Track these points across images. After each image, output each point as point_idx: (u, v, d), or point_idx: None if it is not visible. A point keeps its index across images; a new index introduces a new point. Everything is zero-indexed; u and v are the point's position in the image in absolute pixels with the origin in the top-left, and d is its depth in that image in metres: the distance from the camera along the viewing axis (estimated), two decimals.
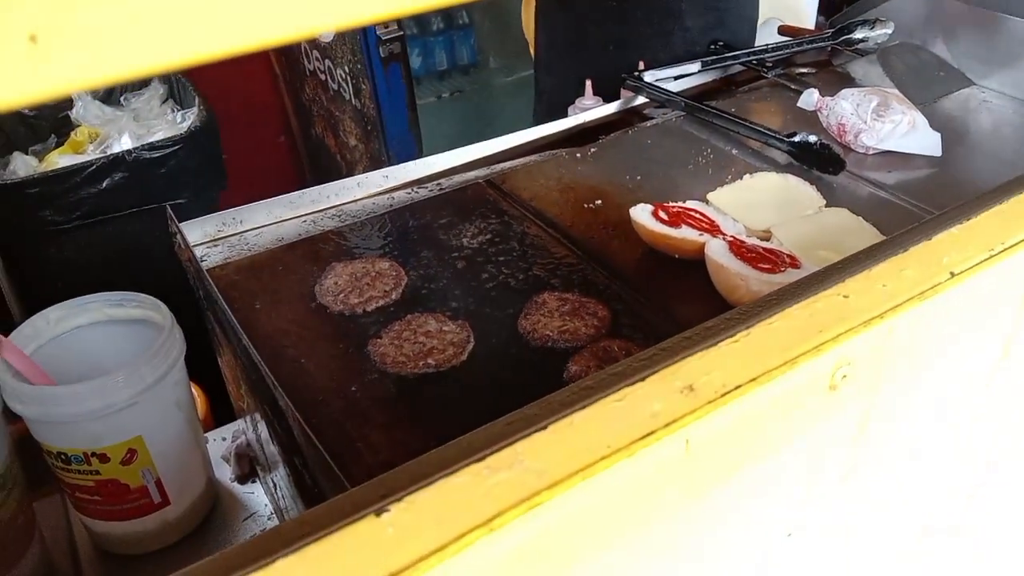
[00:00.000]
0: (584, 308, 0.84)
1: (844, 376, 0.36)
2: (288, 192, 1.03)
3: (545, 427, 0.30)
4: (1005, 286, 0.43)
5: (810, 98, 1.17)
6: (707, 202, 0.96)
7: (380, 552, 0.25)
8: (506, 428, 0.29)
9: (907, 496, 0.50)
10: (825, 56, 1.42)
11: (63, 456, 0.83)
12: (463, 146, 1.14)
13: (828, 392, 0.36)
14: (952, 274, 0.38)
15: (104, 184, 1.58)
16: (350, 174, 1.08)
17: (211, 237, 0.98)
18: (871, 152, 1.07)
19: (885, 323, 0.36)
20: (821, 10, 2.79)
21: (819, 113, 1.14)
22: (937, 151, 1.07)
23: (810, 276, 0.39)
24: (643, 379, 0.32)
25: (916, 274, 0.38)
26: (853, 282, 0.38)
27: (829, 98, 1.13)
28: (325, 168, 2.59)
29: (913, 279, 0.38)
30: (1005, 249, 0.40)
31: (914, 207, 0.99)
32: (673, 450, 0.31)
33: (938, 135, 1.07)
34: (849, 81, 1.28)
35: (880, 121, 1.06)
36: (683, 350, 0.33)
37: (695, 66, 1.31)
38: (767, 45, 1.34)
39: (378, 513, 0.26)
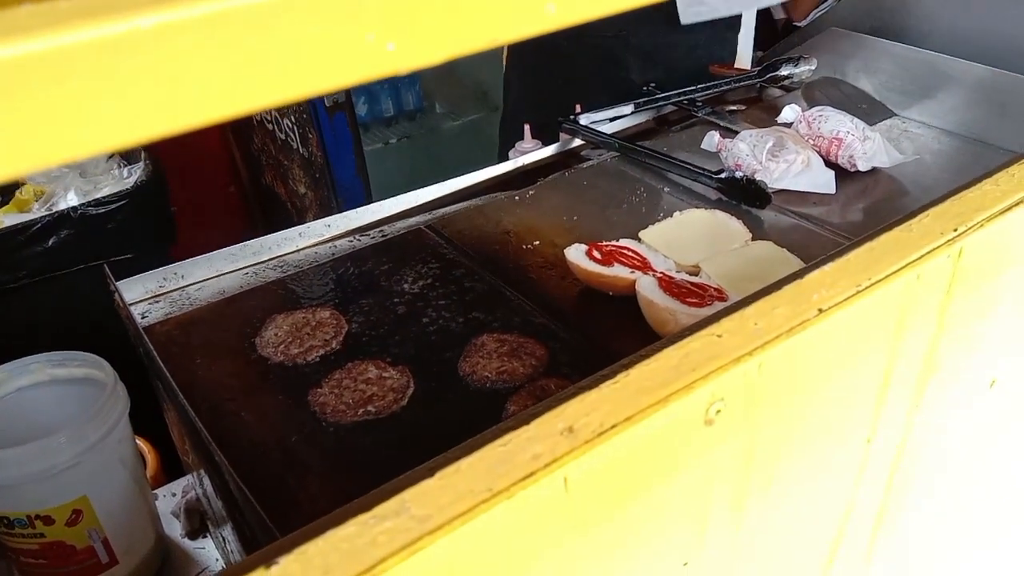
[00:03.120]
0: (522, 348, 0.86)
1: (718, 411, 0.38)
2: (238, 243, 1.04)
3: (432, 473, 0.31)
4: (876, 318, 0.45)
5: (711, 140, 1.21)
6: (639, 239, 0.99)
7: None
8: (401, 478, 0.31)
9: (807, 522, 0.52)
10: (755, 93, 1.47)
11: (6, 520, 0.82)
12: (412, 190, 1.16)
13: (705, 427, 0.38)
14: (820, 310, 0.41)
15: (50, 242, 1.58)
16: (301, 221, 1.09)
17: (152, 293, 0.98)
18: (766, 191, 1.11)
19: (755, 359, 0.39)
20: (757, 46, 2.88)
21: (719, 154, 1.18)
22: (831, 189, 1.11)
23: (702, 320, 0.41)
24: (527, 423, 0.34)
25: (786, 312, 0.41)
26: (728, 321, 0.40)
27: (728, 140, 1.18)
28: (276, 216, 2.60)
29: (783, 317, 0.41)
30: (872, 284, 0.43)
31: (837, 236, 1.03)
32: (552, 489, 0.33)
33: (832, 173, 1.12)
34: (776, 116, 1.32)
35: (774, 161, 1.11)
36: (570, 395, 0.35)
37: (628, 108, 1.35)
38: (696, 86, 1.39)
39: (267, 566, 0.27)
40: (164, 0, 0.16)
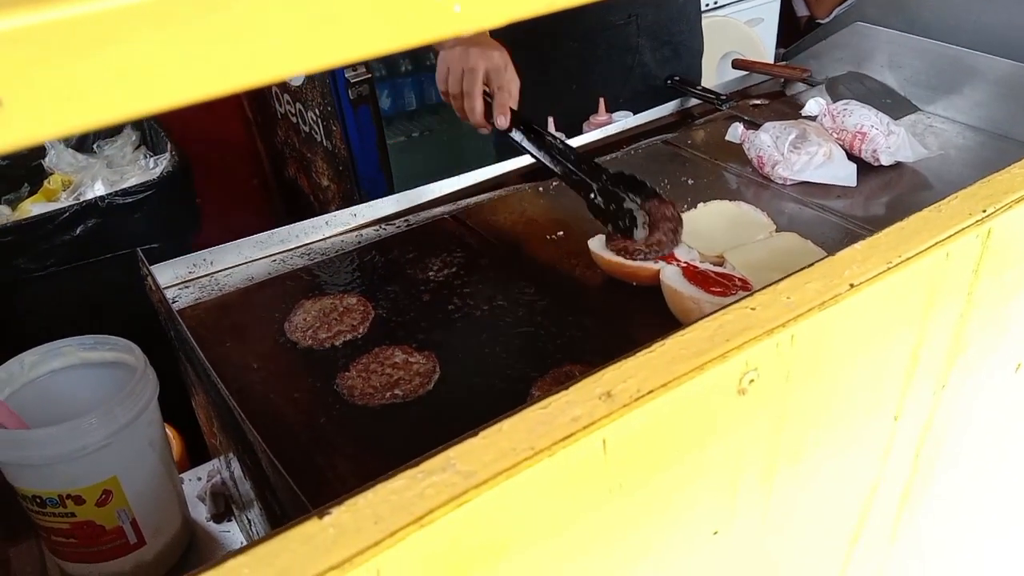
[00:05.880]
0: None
1: (751, 381, 0.39)
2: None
3: (476, 434, 0.32)
4: (905, 296, 0.46)
5: (735, 131, 1.22)
6: None
7: (320, 549, 0.28)
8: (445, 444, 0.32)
9: (834, 498, 0.53)
10: (779, 87, 1.47)
11: (38, 499, 0.83)
12: (433, 183, 1.17)
13: (738, 396, 0.39)
14: (852, 285, 0.42)
15: (77, 231, 1.60)
16: (323, 214, 1.10)
17: (182, 279, 1.00)
18: (788, 183, 1.12)
19: (787, 331, 0.39)
20: (779, 42, 2.88)
21: (743, 145, 1.18)
22: (852, 182, 1.11)
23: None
24: (566, 388, 0.35)
25: (818, 286, 0.42)
26: (761, 296, 0.41)
27: (752, 131, 1.18)
28: (299, 209, 2.62)
29: (815, 291, 0.41)
30: (903, 261, 0.44)
31: (861, 229, 1.03)
32: (591, 450, 0.34)
33: (853, 166, 1.12)
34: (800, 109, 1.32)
35: (796, 153, 1.11)
36: (607, 364, 0.36)
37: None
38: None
39: (320, 516, 0.29)
40: None
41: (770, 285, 0.42)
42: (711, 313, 0.40)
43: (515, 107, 1.10)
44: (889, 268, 0.43)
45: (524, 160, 1.24)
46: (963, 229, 0.46)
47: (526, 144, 1.07)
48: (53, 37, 0.15)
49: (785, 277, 0.42)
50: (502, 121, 1.09)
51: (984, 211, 0.47)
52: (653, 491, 0.38)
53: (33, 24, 0.15)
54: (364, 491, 0.30)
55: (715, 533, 0.43)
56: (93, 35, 0.16)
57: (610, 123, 1.34)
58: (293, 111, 2.33)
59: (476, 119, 1.14)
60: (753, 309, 0.40)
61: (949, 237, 0.46)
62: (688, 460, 0.39)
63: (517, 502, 0.32)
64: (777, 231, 0.99)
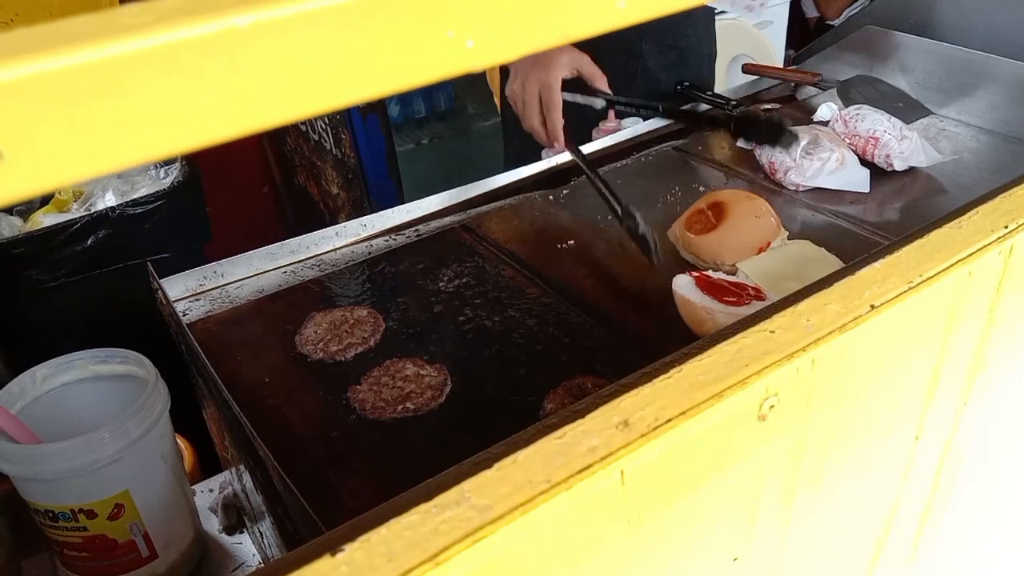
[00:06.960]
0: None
1: (772, 406, 0.39)
2: (272, 242, 1.06)
3: (491, 465, 0.32)
4: (927, 315, 0.45)
5: None
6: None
7: None
8: (457, 469, 0.32)
9: (854, 520, 0.52)
10: (790, 91, 1.46)
11: (50, 513, 0.83)
12: (443, 190, 1.17)
13: (758, 422, 0.39)
14: (872, 307, 0.41)
15: (89, 242, 1.60)
16: (333, 222, 1.10)
17: (193, 291, 1.00)
18: (801, 189, 1.11)
19: (808, 355, 0.39)
20: (789, 45, 2.87)
21: (754, 151, 1.18)
22: (865, 187, 1.10)
23: (749, 317, 0.41)
24: (582, 416, 0.34)
25: (839, 308, 0.41)
26: (780, 318, 0.40)
27: None
28: (308, 217, 2.62)
29: (835, 313, 0.41)
30: (923, 281, 0.43)
31: (875, 235, 1.02)
32: (609, 482, 0.33)
33: (867, 171, 1.11)
34: (812, 114, 1.32)
35: (808, 159, 1.10)
36: (624, 389, 0.35)
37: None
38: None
39: (333, 553, 0.28)
40: (258, 1, 0.16)
41: (789, 306, 0.41)
42: (728, 334, 0.40)
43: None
44: (910, 288, 0.42)
45: (534, 168, 1.24)
46: (985, 246, 0.45)
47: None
48: (52, 88, 0.15)
49: (803, 296, 0.42)
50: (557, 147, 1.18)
51: (1006, 227, 0.46)
52: (671, 520, 0.38)
53: (32, 75, 0.15)
54: (377, 526, 0.29)
55: (735, 559, 0.43)
56: (93, 85, 0.15)
57: (620, 129, 1.33)
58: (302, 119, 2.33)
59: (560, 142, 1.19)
60: (772, 332, 0.39)
61: (971, 255, 0.45)
62: (707, 487, 0.39)
63: (533, 537, 0.31)
64: (790, 238, 0.98)
